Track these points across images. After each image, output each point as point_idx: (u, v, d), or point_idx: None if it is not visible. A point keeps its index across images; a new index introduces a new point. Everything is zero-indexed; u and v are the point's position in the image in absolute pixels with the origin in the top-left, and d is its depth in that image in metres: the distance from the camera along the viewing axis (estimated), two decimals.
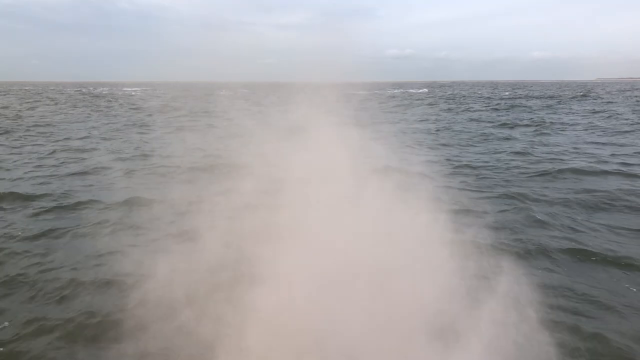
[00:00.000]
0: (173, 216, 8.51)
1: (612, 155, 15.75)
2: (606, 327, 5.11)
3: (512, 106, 41.40)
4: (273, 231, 4.54)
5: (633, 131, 22.12)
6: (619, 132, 22.16)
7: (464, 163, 14.78)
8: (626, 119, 28.07)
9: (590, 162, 14.14)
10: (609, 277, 6.41)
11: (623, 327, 5.12)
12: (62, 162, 14.81)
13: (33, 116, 31.72)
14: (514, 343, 4.13)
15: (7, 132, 22.60)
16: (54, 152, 16.86)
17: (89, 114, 34.97)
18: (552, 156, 15.79)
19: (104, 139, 20.51)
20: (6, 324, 5.15)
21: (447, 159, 15.31)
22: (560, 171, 12.82)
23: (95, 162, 14.56)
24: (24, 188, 11.23)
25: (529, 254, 6.99)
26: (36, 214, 9.16)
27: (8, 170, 13.58)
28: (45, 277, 6.29)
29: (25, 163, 14.71)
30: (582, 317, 5.31)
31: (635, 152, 16.14)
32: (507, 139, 20.75)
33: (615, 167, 13.51)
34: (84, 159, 15.38)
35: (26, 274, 6.36)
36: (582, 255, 7.05)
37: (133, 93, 78.18)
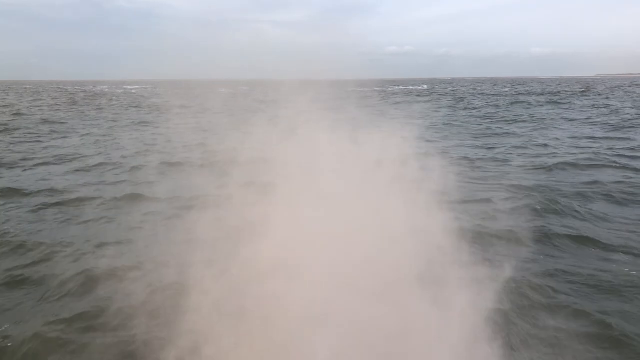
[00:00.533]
0: (174, 210, 8.59)
1: (610, 149, 15.81)
2: (611, 310, 5.19)
3: (512, 102, 41.44)
4: (274, 224, 4.58)
5: (632, 127, 22.15)
6: (618, 127, 22.20)
7: (463, 156, 14.89)
8: (625, 114, 28.12)
9: (589, 156, 14.21)
10: (612, 262, 6.48)
11: (627, 309, 5.22)
12: (63, 159, 14.87)
13: (34, 114, 31.75)
14: (519, 327, 4.20)
15: (7, 129, 22.66)
16: (54, 149, 16.93)
17: (90, 111, 35.03)
18: (552, 150, 15.87)
19: (105, 135, 20.57)
20: (12, 321, 5.14)
21: (446, 152, 15.38)
22: (559, 164, 12.90)
23: (95, 159, 14.64)
24: (24, 185, 11.27)
25: (531, 241, 7.05)
26: (37, 210, 9.16)
27: (9, 167, 13.64)
28: (47, 273, 6.29)
29: (25, 160, 14.77)
30: (586, 301, 5.38)
31: (633, 147, 16.21)
32: (507, 134, 20.81)
33: (613, 160, 13.59)
34: (85, 155, 15.42)
35: (28, 271, 6.37)
36: (583, 243, 7.14)
37: (133, 91, 78.30)
